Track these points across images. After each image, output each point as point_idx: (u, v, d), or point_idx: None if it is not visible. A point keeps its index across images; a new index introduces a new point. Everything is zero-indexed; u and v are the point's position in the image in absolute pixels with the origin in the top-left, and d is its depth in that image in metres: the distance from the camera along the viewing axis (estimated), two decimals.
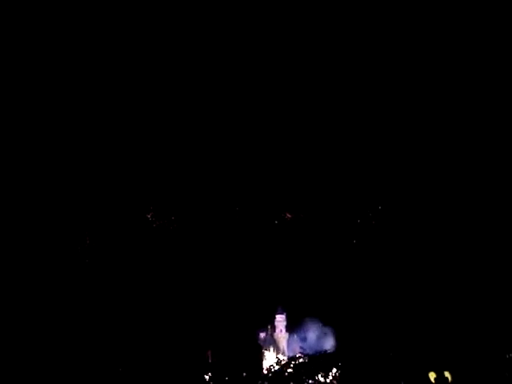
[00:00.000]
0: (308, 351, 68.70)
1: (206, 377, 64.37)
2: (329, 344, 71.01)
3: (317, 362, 65.28)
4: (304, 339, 74.34)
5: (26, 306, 61.69)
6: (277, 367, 64.91)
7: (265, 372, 64.89)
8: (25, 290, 62.39)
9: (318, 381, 64.27)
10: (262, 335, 74.53)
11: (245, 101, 64.78)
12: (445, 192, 67.45)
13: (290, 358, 67.16)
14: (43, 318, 62.68)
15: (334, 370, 64.72)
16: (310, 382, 63.99)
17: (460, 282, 64.03)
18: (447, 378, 46.54)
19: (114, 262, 69.80)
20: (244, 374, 60.67)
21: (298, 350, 72.37)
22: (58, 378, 58.97)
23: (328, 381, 64.24)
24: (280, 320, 75.72)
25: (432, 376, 46.68)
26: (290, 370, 64.36)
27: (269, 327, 75.39)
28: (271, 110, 66.07)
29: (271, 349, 73.61)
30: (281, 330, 75.57)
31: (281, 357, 69.04)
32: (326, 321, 72.47)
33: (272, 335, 75.26)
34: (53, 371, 58.90)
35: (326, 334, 72.48)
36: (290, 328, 75.80)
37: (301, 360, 65.85)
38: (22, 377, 57.08)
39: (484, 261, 62.92)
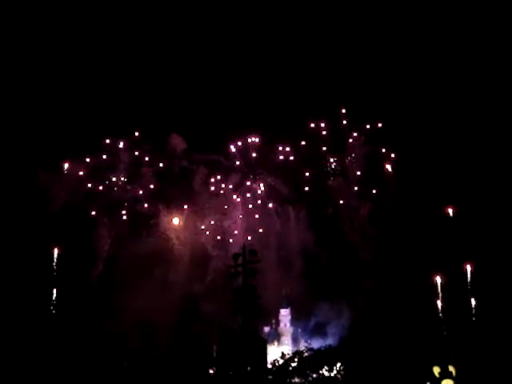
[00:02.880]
0: (312, 345, 68.59)
1: (211, 371, 64.48)
2: (333, 338, 71.07)
3: (321, 356, 65.19)
4: (308, 333, 74.30)
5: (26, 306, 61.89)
6: (281, 361, 64.83)
7: (269, 366, 64.79)
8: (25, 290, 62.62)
9: (323, 375, 64.21)
10: (267, 329, 74.47)
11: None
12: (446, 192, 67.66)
13: (295, 352, 67.00)
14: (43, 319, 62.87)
15: (339, 364, 64.71)
16: (315, 376, 63.90)
17: (461, 281, 64.10)
18: (451, 372, 46.55)
19: (117, 258, 69.94)
20: (248, 368, 60.63)
21: (302, 344, 72.30)
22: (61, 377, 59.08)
23: (332, 375, 64.19)
24: (284, 314, 75.50)
25: (436, 370, 46.70)
26: (294, 364, 64.28)
27: (273, 321, 75.27)
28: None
29: (275, 343, 73.57)
30: (285, 324, 75.34)
31: (285, 351, 68.86)
32: (329, 317, 72.57)
33: (276, 329, 75.16)
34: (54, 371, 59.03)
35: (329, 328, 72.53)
36: (295, 322, 75.70)
37: (305, 354, 65.70)
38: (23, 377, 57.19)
39: (485, 262, 63.02)
